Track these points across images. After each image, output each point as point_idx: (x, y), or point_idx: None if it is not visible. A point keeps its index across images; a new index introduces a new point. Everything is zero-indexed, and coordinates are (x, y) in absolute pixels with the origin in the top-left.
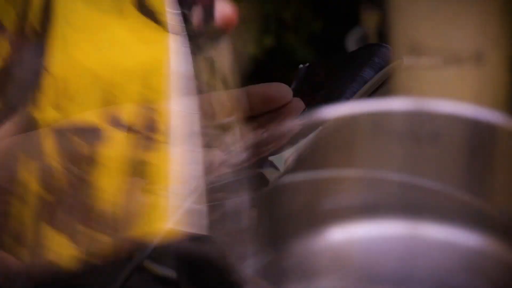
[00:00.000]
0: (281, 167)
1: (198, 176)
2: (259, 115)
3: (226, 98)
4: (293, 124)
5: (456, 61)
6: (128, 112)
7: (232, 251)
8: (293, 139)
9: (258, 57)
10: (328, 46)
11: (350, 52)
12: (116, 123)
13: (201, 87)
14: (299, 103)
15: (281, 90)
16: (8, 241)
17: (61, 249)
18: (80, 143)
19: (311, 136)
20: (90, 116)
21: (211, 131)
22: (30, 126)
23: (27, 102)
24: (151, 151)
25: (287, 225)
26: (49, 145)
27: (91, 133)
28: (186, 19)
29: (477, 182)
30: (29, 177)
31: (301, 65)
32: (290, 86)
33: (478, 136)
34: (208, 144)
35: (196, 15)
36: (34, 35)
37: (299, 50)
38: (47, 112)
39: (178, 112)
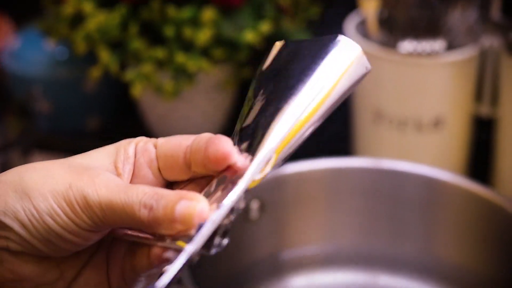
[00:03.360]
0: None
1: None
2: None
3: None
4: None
5: (416, 127)
6: None
7: None
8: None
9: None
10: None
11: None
12: None
13: None
14: (243, 163)
15: (221, 149)
16: None
17: None
18: None
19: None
20: None
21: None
22: None
23: None
24: None
25: (252, 273)
26: None
27: None
28: None
29: (429, 235)
30: None
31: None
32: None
33: (431, 192)
34: None
35: None
36: None
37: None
38: None
39: None
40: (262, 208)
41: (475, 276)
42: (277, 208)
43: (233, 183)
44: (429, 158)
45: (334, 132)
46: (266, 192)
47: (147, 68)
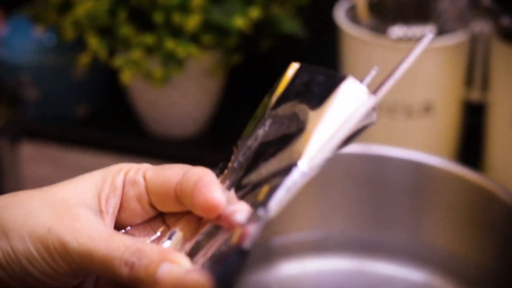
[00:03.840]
0: None
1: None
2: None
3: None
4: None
5: (406, 113)
6: None
7: None
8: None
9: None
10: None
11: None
12: None
13: None
14: (240, 210)
15: (209, 200)
16: None
17: None
18: None
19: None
20: None
21: None
22: None
23: None
24: None
25: None
26: None
27: None
28: None
29: (419, 221)
30: None
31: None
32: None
33: (421, 178)
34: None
35: None
36: None
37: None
38: None
39: None
40: None
41: (465, 262)
42: None
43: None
44: (420, 144)
45: None
46: None
47: (136, 54)
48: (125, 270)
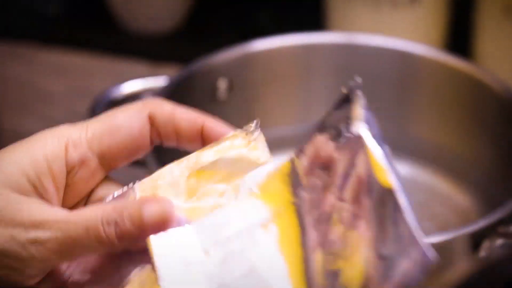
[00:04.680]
0: None
1: None
2: None
3: None
4: None
5: (391, 3)
6: None
7: None
8: None
9: None
10: None
11: None
12: None
13: None
14: None
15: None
16: None
17: None
18: None
19: None
20: None
21: None
22: None
23: None
24: None
25: None
26: None
27: None
28: None
29: (406, 112)
30: None
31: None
32: None
33: (407, 68)
34: None
35: None
36: None
37: None
38: None
39: None
40: (230, 87)
41: (453, 154)
42: (246, 87)
43: None
44: (406, 36)
45: (305, 5)
46: (234, 71)
47: None
48: (111, 231)
